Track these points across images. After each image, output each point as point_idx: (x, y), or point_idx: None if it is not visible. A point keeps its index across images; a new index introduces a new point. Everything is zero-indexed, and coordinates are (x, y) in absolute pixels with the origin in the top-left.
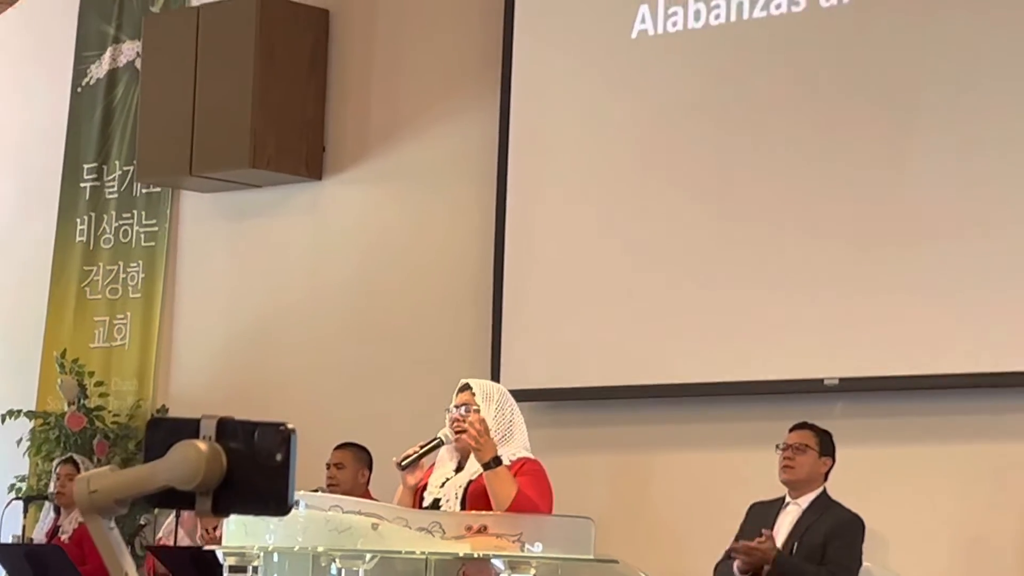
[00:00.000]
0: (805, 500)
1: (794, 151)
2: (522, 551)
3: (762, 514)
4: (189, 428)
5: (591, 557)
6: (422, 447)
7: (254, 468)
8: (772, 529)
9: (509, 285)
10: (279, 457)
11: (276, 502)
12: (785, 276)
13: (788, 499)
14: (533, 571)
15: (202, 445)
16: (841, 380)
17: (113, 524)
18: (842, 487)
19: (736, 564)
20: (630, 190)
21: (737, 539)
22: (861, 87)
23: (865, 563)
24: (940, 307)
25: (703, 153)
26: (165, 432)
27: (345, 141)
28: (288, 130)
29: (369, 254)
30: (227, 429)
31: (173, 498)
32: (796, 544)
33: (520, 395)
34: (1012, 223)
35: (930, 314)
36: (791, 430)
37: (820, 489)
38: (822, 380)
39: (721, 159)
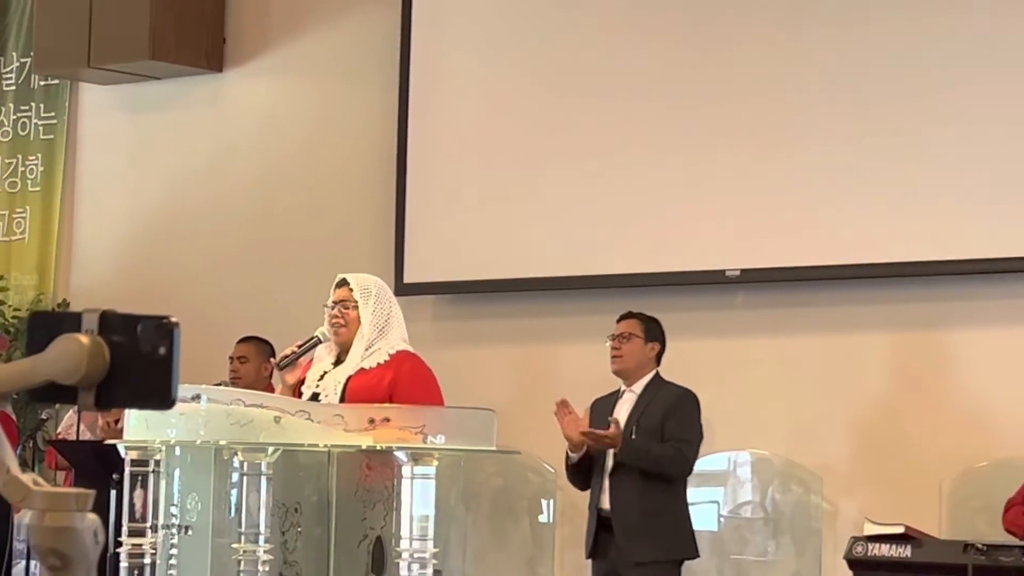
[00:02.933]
0: (639, 386)
1: (696, 45)
2: (425, 443)
3: (602, 409)
4: (71, 322)
5: (493, 448)
6: (299, 346)
7: (137, 362)
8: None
9: (412, 179)
10: (162, 351)
11: (160, 396)
12: (688, 170)
13: (623, 388)
14: (436, 462)
15: (84, 339)
16: (743, 271)
17: None
18: (740, 374)
19: (567, 448)
20: (534, 83)
21: None
22: None
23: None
24: (839, 201)
25: (607, 46)
26: (47, 326)
27: (246, 33)
28: (188, 21)
29: (271, 146)
30: (110, 323)
31: (55, 393)
32: (635, 428)
33: (423, 288)
34: (902, 123)
35: (829, 207)
36: (618, 321)
37: (652, 373)
38: (724, 271)
39: (627, 51)
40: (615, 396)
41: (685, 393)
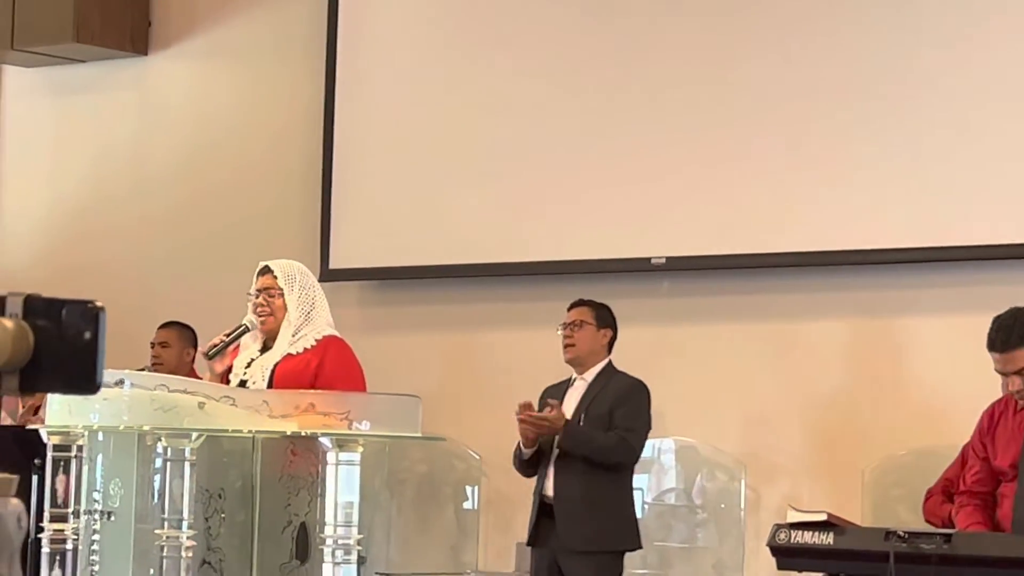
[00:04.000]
0: (590, 374)
1: (624, 31)
2: (350, 429)
3: (552, 396)
4: None
5: (419, 434)
6: (227, 335)
7: (62, 346)
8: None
9: (339, 164)
10: (87, 335)
11: (84, 380)
12: (615, 157)
13: (575, 376)
14: (361, 449)
15: (8, 323)
16: (668, 259)
17: None
18: (665, 362)
19: (520, 438)
20: (463, 68)
21: None
22: None
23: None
24: (764, 187)
25: (537, 29)
26: None
27: (171, 16)
28: (113, 4)
29: (196, 131)
30: (34, 307)
31: None
32: (583, 416)
33: (349, 274)
34: (846, 104)
35: (752, 194)
36: (569, 309)
37: (605, 361)
38: (649, 259)
39: (556, 35)
40: (566, 384)
41: (636, 383)
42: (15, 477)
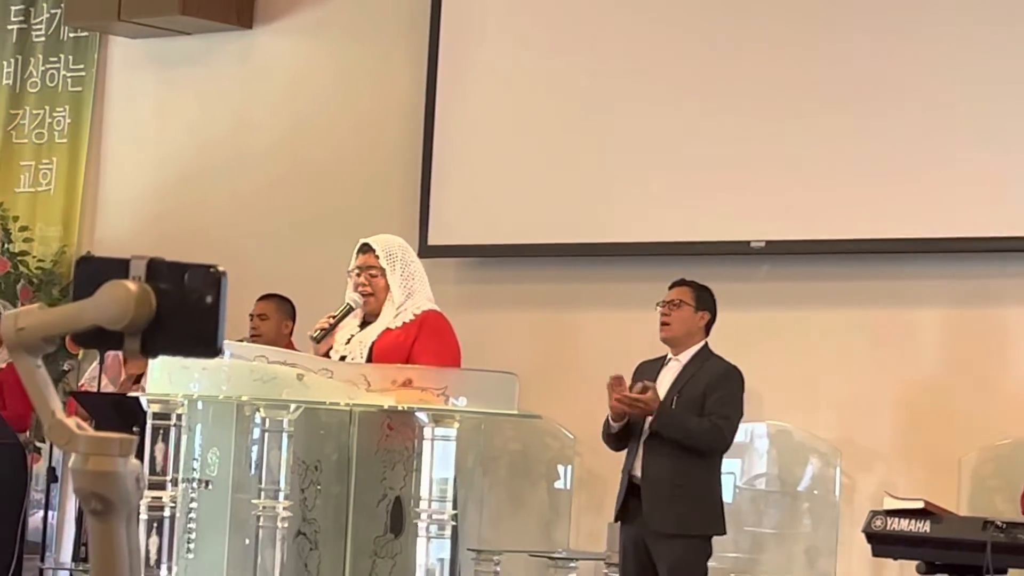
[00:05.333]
0: (686, 355)
1: (726, 15)
2: (446, 404)
3: (647, 372)
4: (119, 268)
5: (515, 412)
6: (333, 317)
7: (184, 309)
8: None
9: (439, 141)
10: (209, 299)
11: (206, 343)
12: (715, 140)
13: (670, 356)
14: (457, 424)
15: (132, 285)
16: (768, 243)
17: (40, 362)
18: (763, 346)
19: (609, 415)
20: (563, 47)
21: None
22: None
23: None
24: (865, 173)
25: (639, 12)
26: (94, 271)
27: None
28: None
29: (298, 104)
30: (157, 270)
31: (101, 338)
32: (676, 397)
33: (447, 251)
34: (930, 97)
35: (855, 180)
36: (670, 288)
37: (701, 343)
38: (748, 243)
39: (659, 18)
40: (661, 362)
41: (730, 368)
42: (134, 438)
